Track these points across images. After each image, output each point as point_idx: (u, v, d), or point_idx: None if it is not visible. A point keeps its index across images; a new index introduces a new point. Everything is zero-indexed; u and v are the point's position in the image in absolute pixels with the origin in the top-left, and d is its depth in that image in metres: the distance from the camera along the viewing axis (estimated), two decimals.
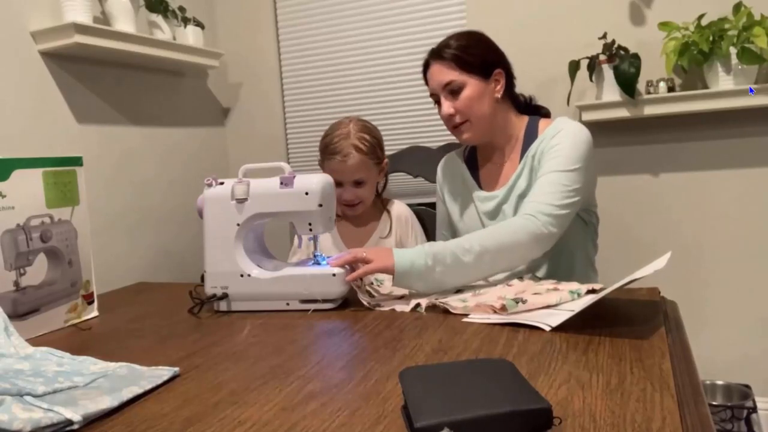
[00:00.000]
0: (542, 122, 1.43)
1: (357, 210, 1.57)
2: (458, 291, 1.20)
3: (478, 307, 1.07)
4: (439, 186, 1.59)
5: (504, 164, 1.45)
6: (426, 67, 1.42)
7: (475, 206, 1.47)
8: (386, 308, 1.15)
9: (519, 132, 1.43)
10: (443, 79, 1.36)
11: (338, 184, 1.49)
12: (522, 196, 1.36)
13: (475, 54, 1.36)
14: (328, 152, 1.53)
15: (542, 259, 1.37)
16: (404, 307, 1.14)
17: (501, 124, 1.42)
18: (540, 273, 1.38)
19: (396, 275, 1.16)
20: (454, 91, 1.36)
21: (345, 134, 1.52)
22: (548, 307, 1.03)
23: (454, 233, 1.54)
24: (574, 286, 1.10)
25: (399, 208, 1.66)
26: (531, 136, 1.41)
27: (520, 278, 1.26)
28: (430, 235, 1.68)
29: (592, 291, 1.06)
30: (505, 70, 1.40)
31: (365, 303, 1.17)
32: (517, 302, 1.04)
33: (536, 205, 1.25)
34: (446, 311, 1.09)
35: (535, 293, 1.08)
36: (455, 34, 1.42)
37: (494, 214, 1.42)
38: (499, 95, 1.39)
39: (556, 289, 1.09)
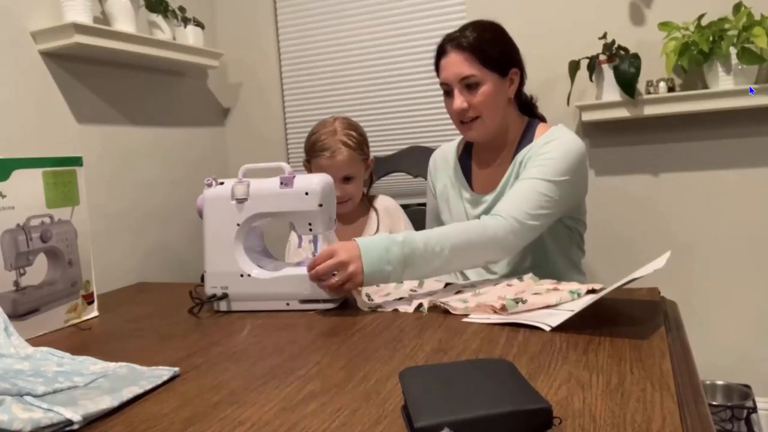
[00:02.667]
0: (539, 128, 1.39)
1: (347, 207, 1.57)
2: (458, 291, 1.20)
3: (478, 307, 1.07)
4: (431, 178, 1.56)
5: (497, 167, 1.41)
6: (441, 53, 1.34)
7: (464, 206, 1.45)
8: (388, 309, 1.15)
9: (517, 134, 1.40)
10: (462, 71, 1.30)
11: None
12: None
13: (496, 49, 1.31)
14: (315, 150, 1.53)
15: (524, 264, 1.36)
16: (407, 308, 1.13)
17: (506, 124, 1.39)
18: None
19: (363, 258, 1.10)
20: (470, 85, 1.30)
21: (331, 131, 1.53)
22: (548, 307, 1.03)
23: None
24: (574, 286, 1.10)
25: (384, 202, 1.68)
26: (525, 140, 1.38)
27: (520, 278, 1.26)
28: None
29: (592, 291, 1.06)
30: (520, 69, 1.37)
31: (365, 309, 1.16)
32: (517, 302, 1.04)
33: (509, 208, 1.22)
34: (446, 311, 1.09)
35: (535, 293, 1.08)
36: (475, 23, 1.35)
37: None
38: (511, 95, 1.35)
39: (556, 289, 1.09)
